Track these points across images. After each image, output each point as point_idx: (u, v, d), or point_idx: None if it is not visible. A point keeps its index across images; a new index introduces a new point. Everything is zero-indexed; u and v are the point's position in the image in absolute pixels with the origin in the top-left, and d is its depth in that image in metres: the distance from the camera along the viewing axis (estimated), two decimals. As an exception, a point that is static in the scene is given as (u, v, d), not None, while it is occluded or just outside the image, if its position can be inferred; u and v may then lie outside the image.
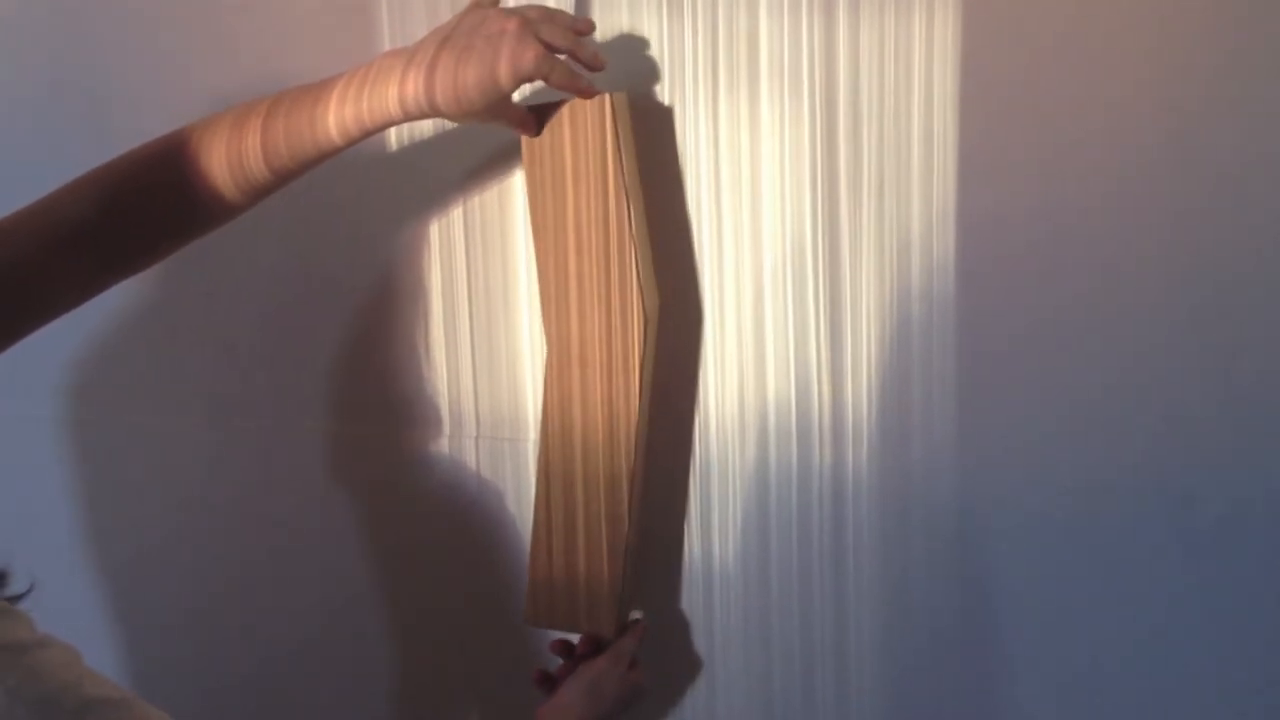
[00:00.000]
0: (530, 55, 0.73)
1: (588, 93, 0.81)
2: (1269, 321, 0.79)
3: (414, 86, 0.74)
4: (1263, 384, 0.80)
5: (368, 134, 0.76)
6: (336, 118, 0.75)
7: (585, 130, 0.83)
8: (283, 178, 0.78)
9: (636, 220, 0.84)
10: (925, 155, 0.83)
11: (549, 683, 0.93)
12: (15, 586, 0.61)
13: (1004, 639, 0.89)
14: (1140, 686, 0.87)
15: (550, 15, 0.77)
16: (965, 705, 0.92)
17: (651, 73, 0.89)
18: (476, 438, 0.99)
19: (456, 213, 0.96)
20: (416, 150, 0.96)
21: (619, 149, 0.82)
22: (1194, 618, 0.85)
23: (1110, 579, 0.86)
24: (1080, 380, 0.84)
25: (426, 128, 0.95)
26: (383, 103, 0.75)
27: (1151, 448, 0.83)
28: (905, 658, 0.92)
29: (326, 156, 0.78)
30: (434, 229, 0.97)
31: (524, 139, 0.85)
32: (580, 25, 0.79)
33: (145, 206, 0.77)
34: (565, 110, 0.83)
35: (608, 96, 0.82)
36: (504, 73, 0.73)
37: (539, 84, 0.85)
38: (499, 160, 0.94)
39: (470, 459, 1.00)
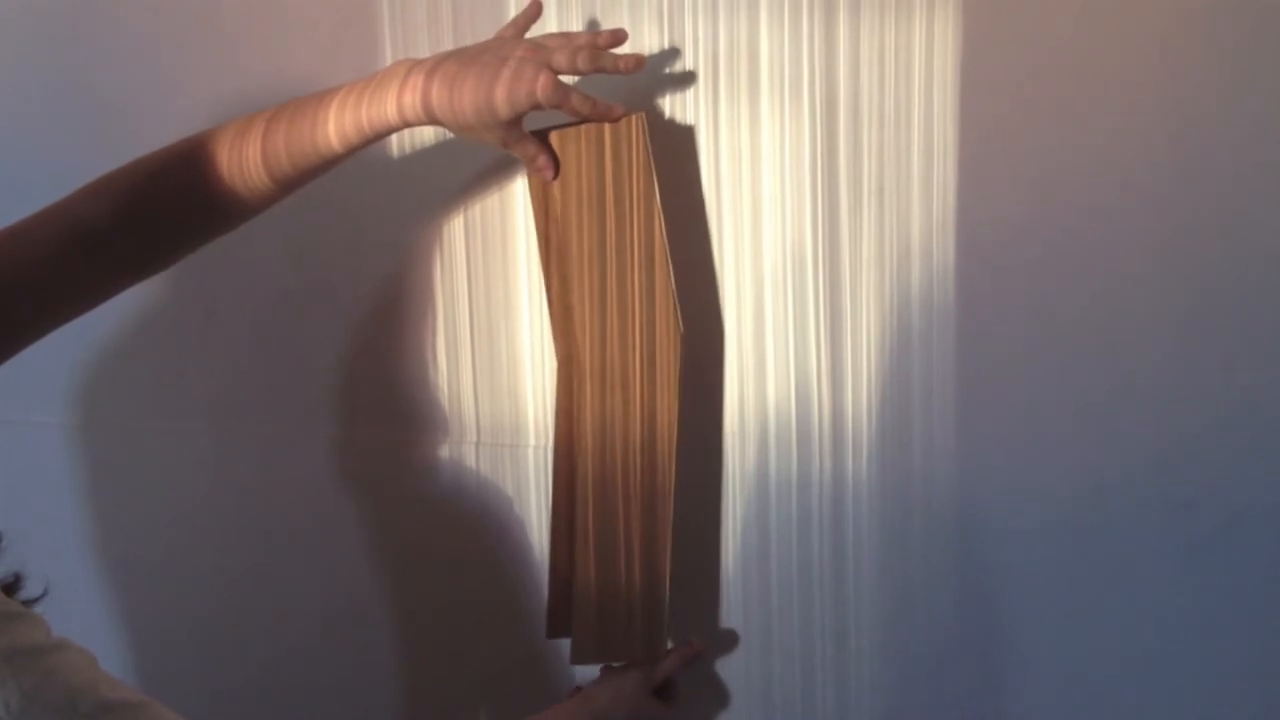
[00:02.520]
0: (527, 86, 0.72)
1: (610, 116, 0.79)
2: (1268, 330, 0.80)
3: (412, 92, 0.74)
4: (1261, 393, 0.81)
5: (367, 141, 0.76)
6: (337, 124, 0.75)
7: (616, 151, 0.81)
8: (284, 185, 0.78)
9: (668, 239, 0.83)
10: (925, 162, 0.84)
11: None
12: (31, 591, 0.61)
13: (1004, 645, 0.90)
14: (1140, 691, 0.87)
15: (568, 40, 0.76)
16: (965, 711, 0.92)
17: (652, 81, 0.89)
18: (477, 444, 0.99)
19: (458, 221, 0.96)
20: (418, 159, 0.96)
21: (652, 169, 0.81)
22: (1193, 624, 0.85)
23: (1109, 585, 0.86)
24: (1080, 387, 0.84)
25: (428, 136, 0.95)
26: (382, 108, 0.74)
27: (1150, 455, 0.84)
28: (905, 664, 0.92)
29: (329, 163, 0.78)
30: (436, 237, 0.97)
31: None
32: (604, 39, 0.77)
33: (155, 211, 0.77)
34: (593, 131, 0.81)
35: (637, 118, 0.80)
36: (500, 97, 0.73)
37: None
38: (501, 169, 0.94)
39: (471, 464, 1.00)
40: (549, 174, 0.81)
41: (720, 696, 0.98)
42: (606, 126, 0.80)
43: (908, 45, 0.83)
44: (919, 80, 0.83)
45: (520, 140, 0.79)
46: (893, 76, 0.83)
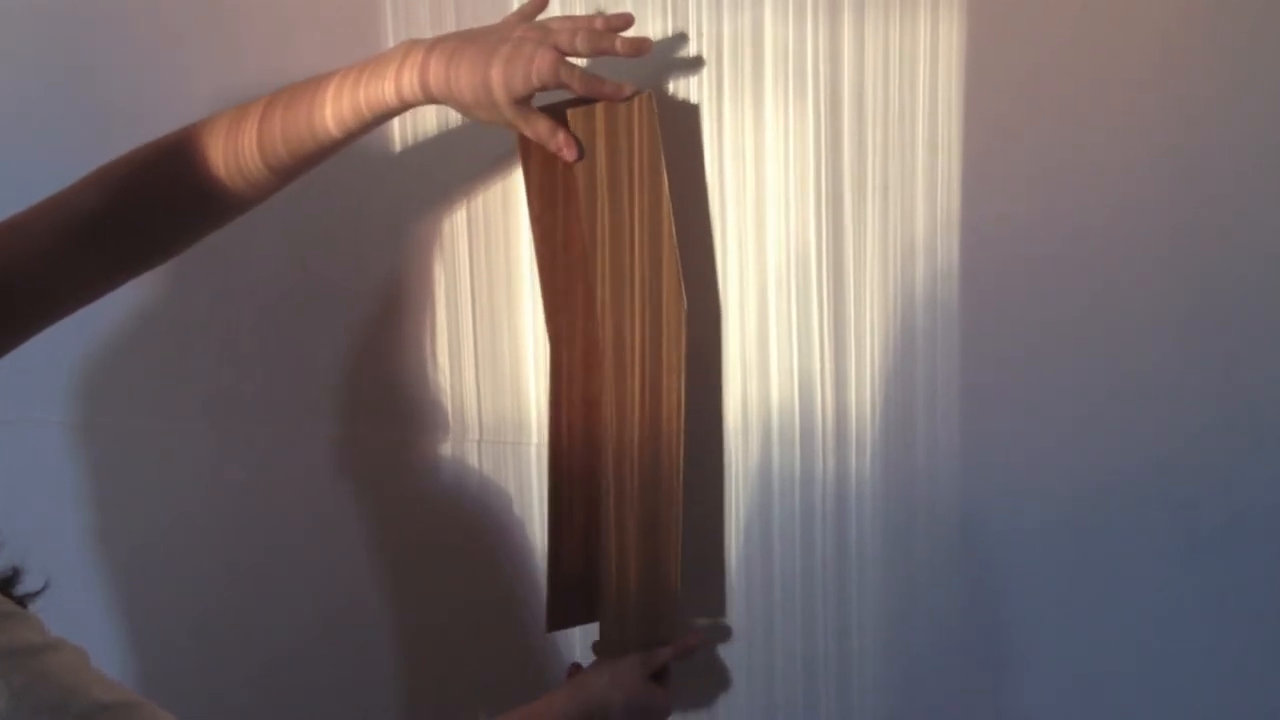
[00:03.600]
0: (524, 65, 0.72)
1: (618, 95, 0.78)
2: (1268, 330, 0.80)
3: (410, 70, 0.73)
4: (1262, 393, 0.81)
5: (365, 125, 0.75)
6: (334, 107, 0.74)
7: (625, 129, 0.80)
8: (280, 174, 0.77)
9: (675, 218, 0.83)
10: (930, 160, 0.84)
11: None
12: (30, 586, 0.60)
13: (1006, 644, 0.90)
14: (1141, 690, 0.87)
15: (573, 23, 0.75)
16: (967, 710, 0.92)
17: (656, 76, 0.89)
18: (479, 441, 0.99)
19: (460, 216, 0.96)
20: (420, 155, 0.96)
21: (660, 148, 0.81)
22: (1194, 623, 0.85)
23: (1111, 584, 0.86)
24: (1083, 387, 0.84)
25: (430, 126, 0.95)
26: (379, 89, 0.73)
27: (1152, 455, 0.84)
28: (907, 663, 0.92)
29: (326, 150, 0.77)
30: (437, 232, 0.97)
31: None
32: (615, 22, 0.77)
33: (148, 202, 0.77)
34: (600, 110, 0.79)
35: (645, 96, 0.80)
36: (496, 75, 0.72)
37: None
38: (503, 161, 0.93)
39: (473, 463, 0.99)
40: (570, 154, 0.78)
41: (722, 695, 0.98)
42: (610, 106, 0.79)
43: (912, 43, 0.83)
44: (923, 77, 0.83)
45: (530, 119, 0.76)
46: (897, 74, 0.83)
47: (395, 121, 0.94)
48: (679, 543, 0.87)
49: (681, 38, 0.88)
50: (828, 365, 0.89)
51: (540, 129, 0.77)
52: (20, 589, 0.60)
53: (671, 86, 0.89)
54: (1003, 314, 0.85)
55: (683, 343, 0.84)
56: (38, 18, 1.05)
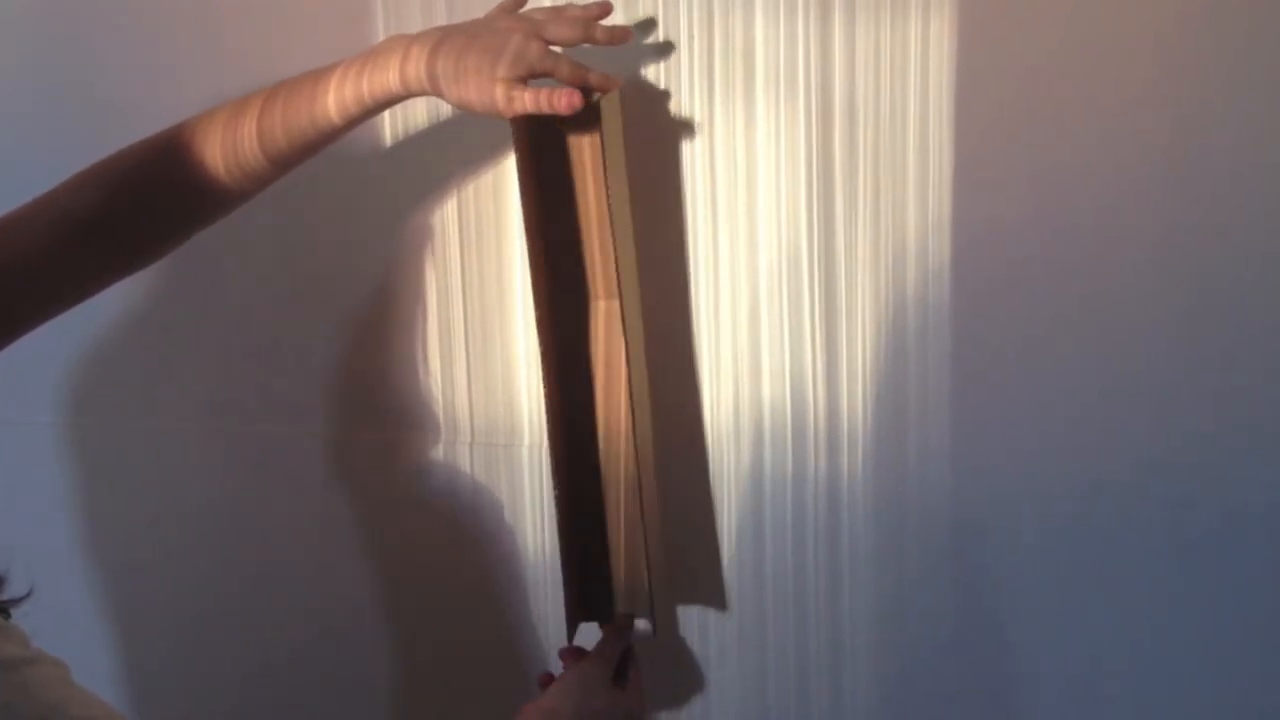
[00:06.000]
0: (526, 61, 0.73)
1: (606, 85, 0.79)
2: (1265, 330, 0.80)
3: (416, 62, 0.74)
4: (1258, 392, 0.81)
5: (368, 112, 0.77)
6: (336, 97, 0.76)
7: (603, 124, 0.80)
8: (278, 164, 0.79)
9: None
10: (921, 161, 0.84)
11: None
12: (14, 591, 0.61)
13: (999, 645, 0.90)
14: (1136, 692, 0.87)
15: (557, 13, 0.77)
16: (960, 711, 0.92)
17: (647, 82, 0.89)
18: (471, 443, 0.99)
19: (452, 218, 0.96)
20: (412, 156, 0.96)
21: (620, 143, 0.81)
22: (1190, 623, 0.85)
23: (1104, 585, 0.86)
24: (1075, 387, 0.84)
25: (421, 123, 0.95)
26: (384, 79, 0.75)
27: (1146, 454, 0.83)
28: (900, 663, 0.92)
29: (325, 139, 0.78)
30: (429, 233, 0.97)
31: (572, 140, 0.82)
32: (594, 10, 0.79)
33: (146, 197, 0.78)
34: (600, 105, 0.80)
35: (615, 93, 0.80)
36: (502, 70, 0.73)
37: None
38: (494, 159, 0.94)
39: (465, 465, 1.00)
40: (573, 99, 0.73)
41: (714, 694, 0.98)
42: (607, 101, 0.80)
43: (903, 45, 0.82)
44: (914, 80, 0.83)
45: (523, 94, 0.73)
46: (888, 77, 0.83)
47: (385, 117, 0.95)
48: (657, 524, 0.88)
49: (671, 39, 0.88)
50: (819, 366, 0.89)
51: (539, 100, 0.73)
52: (4, 595, 0.60)
53: (662, 93, 0.89)
54: (994, 315, 0.85)
55: (621, 331, 0.85)
56: (37, 18, 1.06)
